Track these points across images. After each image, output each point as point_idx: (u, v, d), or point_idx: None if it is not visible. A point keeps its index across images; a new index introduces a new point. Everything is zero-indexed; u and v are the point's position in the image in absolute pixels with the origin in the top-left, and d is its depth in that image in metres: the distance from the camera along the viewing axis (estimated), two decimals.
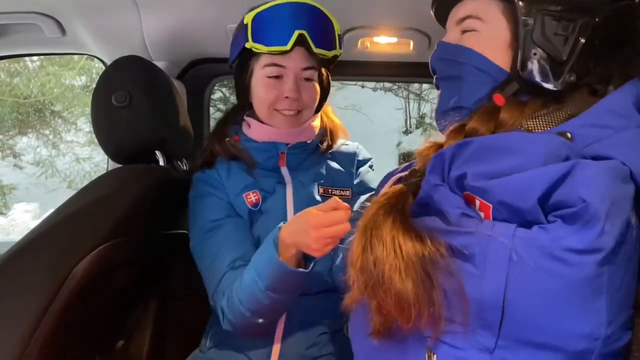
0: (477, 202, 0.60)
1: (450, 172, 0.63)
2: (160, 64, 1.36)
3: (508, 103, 0.70)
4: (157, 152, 1.19)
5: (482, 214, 0.59)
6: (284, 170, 1.14)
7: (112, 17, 1.33)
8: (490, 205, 0.58)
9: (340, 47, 1.07)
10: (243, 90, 1.11)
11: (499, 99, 0.70)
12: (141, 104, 1.11)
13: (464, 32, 0.75)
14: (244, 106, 1.15)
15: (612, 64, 0.70)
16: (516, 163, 0.58)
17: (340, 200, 0.84)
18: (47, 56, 6.28)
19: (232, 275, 0.99)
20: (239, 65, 1.10)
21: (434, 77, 0.80)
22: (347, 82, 6.64)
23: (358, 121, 6.73)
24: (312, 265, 0.91)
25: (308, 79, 1.08)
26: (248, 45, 1.02)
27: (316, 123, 1.17)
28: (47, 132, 7.12)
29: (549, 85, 0.68)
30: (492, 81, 0.71)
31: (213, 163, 1.14)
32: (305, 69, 1.05)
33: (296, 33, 0.99)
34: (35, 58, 6.35)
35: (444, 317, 0.58)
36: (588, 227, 0.51)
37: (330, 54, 1.05)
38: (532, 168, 0.56)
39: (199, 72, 1.61)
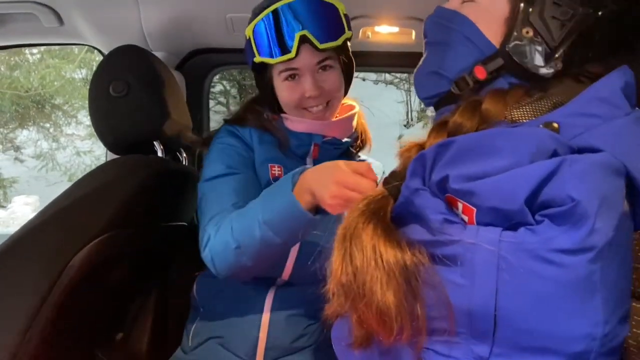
0: (460, 205, 0.57)
1: (432, 174, 0.61)
2: (159, 55, 1.35)
3: (490, 93, 0.68)
4: (155, 142, 1.18)
5: (465, 218, 0.57)
6: (309, 162, 1.14)
7: (110, 6, 1.31)
8: (474, 209, 0.55)
9: (349, 28, 1.04)
10: (269, 96, 1.10)
11: (479, 71, 0.69)
12: (139, 94, 1.10)
13: (464, 1, 0.73)
14: (274, 109, 1.13)
15: (608, 62, 0.67)
16: (501, 163, 0.55)
17: (372, 169, 0.81)
18: (46, 48, 6.28)
19: (232, 212, 0.97)
20: (258, 75, 1.10)
21: (424, 41, 0.78)
22: None
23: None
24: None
25: (326, 67, 1.05)
26: (257, 60, 1.02)
27: (354, 122, 1.17)
28: (47, 125, 7.13)
29: (533, 68, 0.66)
30: (478, 53, 0.70)
31: (243, 125, 1.13)
32: (319, 62, 1.03)
33: (297, 36, 0.97)
34: (35, 50, 6.35)
35: (425, 330, 0.56)
36: (578, 226, 0.49)
37: (340, 41, 1.01)
38: (518, 167, 0.53)
39: (198, 62, 1.59)
